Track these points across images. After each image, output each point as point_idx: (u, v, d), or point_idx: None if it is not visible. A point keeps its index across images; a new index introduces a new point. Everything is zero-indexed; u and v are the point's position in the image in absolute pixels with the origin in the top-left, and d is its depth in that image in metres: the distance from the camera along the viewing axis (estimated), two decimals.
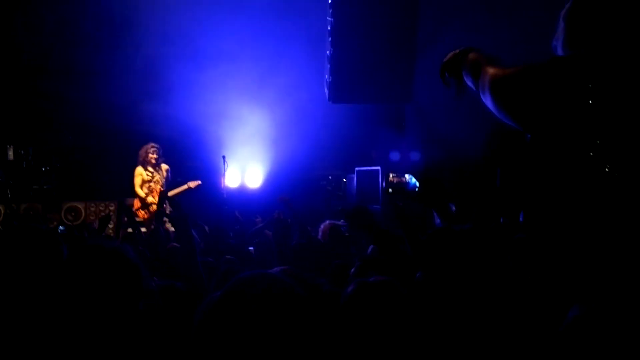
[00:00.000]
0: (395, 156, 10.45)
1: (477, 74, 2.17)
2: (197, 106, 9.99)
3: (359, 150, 10.83)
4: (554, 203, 1.91)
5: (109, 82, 9.85)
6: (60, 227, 8.86)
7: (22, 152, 10.23)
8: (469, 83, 2.27)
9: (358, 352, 2.04)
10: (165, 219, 6.18)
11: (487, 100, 2.09)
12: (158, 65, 10.05)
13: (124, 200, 9.50)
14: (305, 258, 4.17)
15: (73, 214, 9.85)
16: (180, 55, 10.07)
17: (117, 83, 9.83)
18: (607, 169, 1.80)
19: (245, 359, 1.40)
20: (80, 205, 9.92)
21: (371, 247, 4.00)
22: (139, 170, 8.89)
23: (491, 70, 2.09)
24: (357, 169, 10.01)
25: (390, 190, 8.36)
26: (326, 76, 8.35)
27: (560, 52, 2.06)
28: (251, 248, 5.88)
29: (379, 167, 9.56)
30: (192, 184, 9.10)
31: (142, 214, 8.80)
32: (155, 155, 8.87)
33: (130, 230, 6.10)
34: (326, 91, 8.42)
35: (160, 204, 8.36)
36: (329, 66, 8.16)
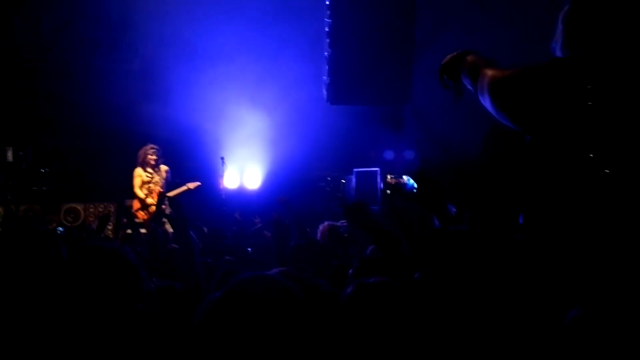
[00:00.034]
0: (393, 157, 10.46)
1: (475, 77, 2.17)
2: (196, 107, 9.99)
3: (357, 152, 10.83)
4: (554, 204, 1.92)
5: (108, 84, 9.84)
6: (59, 229, 8.85)
7: (21, 153, 10.22)
8: (468, 85, 2.27)
9: (357, 353, 2.04)
10: (164, 219, 6.17)
11: (486, 102, 2.09)
12: (157, 67, 10.05)
13: (123, 202, 9.49)
14: (304, 259, 4.17)
15: (72, 215, 9.85)
16: (178, 57, 10.06)
17: (116, 84, 9.83)
18: (607, 170, 1.81)
19: (245, 359, 1.40)
20: (80, 207, 9.91)
21: (370, 247, 4.00)
22: (138, 171, 8.88)
23: (490, 72, 2.09)
24: (355, 170, 10.02)
25: (388, 191, 8.36)
26: (324, 77, 8.36)
27: (559, 53, 2.06)
28: (249, 249, 5.88)
29: (377, 168, 9.57)
30: (192, 185, 9.09)
31: (141, 215, 8.78)
32: (154, 157, 8.86)
33: (129, 231, 6.10)
34: (324, 92, 8.43)
35: (158, 205, 8.36)
36: (327, 67, 8.18)
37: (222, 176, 9.92)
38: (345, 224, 5.65)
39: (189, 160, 10.47)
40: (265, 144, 10.73)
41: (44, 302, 1.97)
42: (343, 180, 10.65)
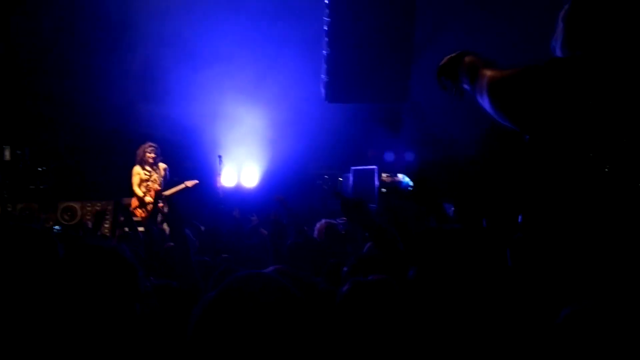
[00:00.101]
0: (391, 156, 10.46)
1: (473, 77, 2.17)
2: (193, 106, 9.99)
3: (355, 150, 10.84)
4: (553, 204, 1.91)
5: (106, 83, 9.83)
6: (56, 227, 8.84)
7: (19, 152, 10.22)
8: (466, 86, 2.27)
9: (353, 351, 2.04)
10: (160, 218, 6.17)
11: (485, 103, 2.09)
12: (154, 66, 10.04)
13: (121, 200, 9.49)
14: (301, 257, 4.16)
15: (69, 213, 9.84)
16: (176, 56, 10.05)
17: (114, 84, 9.81)
18: (606, 170, 1.81)
19: (241, 358, 1.40)
20: (77, 205, 9.90)
21: (367, 245, 4.00)
22: (137, 169, 8.88)
23: (489, 73, 2.09)
24: (353, 168, 10.02)
25: (383, 189, 8.38)
26: (322, 76, 8.36)
27: (559, 53, 2.06)
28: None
29: (375, 167, 9.57)
30: (190, 183, 9.12)
31: (139, 212, 8.79)
32: (152, 155, 8.87)
33: (126, 229, 6.09)
34: (322, 91, 8.43)
35: (155, 203, 8.37)
36: (325, 66, 8.18)
37: (219, 174, 9.92)
38: (342, 221, 5.65)
39: (187, 158, 10.48)
40: (263, 142, 10.74)
41: (40, 302, 1.96)
42: (340, 179, 10.66)
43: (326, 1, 7.96)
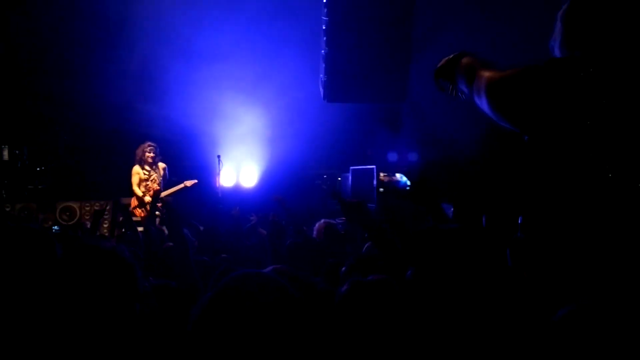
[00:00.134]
0: (390, 155, 10.46)
1: (471, 78, 2.16)
2: (192, 106, 9.99)
3: (354, 149, 10.84)
4: (552, 204, 1.91)
5: (104, 82, 9.83)
6: (55, 227, 8.83)
7: (17, 152, 10.21)
8: (463, 88, 2.27)
9: (352, 351, 2.04)
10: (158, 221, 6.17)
11: (483, 104, 2.08)
12: (153, 66, 10.04)
13: (119, 200, 9.48)
14: (300, 257, 4.17)
15: (68, 213, 9.82)
16: (175, 55, 10.05)
17: (113, 83, 9.81)
18: (606, 170, 1.81)
19: (239, 358, 1.40)
20: (75, 205, 9.88)
21: (366, 245, 4.00)
22: (136, 169, 8.88)
23: (487, 74, 2.08)
24: (352, 167, 10.02)
25: (381, 189, 8.38)
26: (321, 75, 8.35)
27: (557, 53, 2.06)
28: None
29: (374, 166, 9.57)
30: (189, 183, 9.13)
31: (139, 212, 8.79)
32: (152, 154, 8.87)
33: (124, 230, 6.08)
34: (321, 90, 8.41)
35: (153, 203, 8.36)
36: (324, 65, 8.16)
37: (218, 174, 9.92)
38: (342, 221, 5.65)
39: (186, 158, 10.49)
40: (262, 142, 10.74)
41: (39, 302, 1.96)
42: (339, 178, 10.66)
43: (324, 0, 7.95)
